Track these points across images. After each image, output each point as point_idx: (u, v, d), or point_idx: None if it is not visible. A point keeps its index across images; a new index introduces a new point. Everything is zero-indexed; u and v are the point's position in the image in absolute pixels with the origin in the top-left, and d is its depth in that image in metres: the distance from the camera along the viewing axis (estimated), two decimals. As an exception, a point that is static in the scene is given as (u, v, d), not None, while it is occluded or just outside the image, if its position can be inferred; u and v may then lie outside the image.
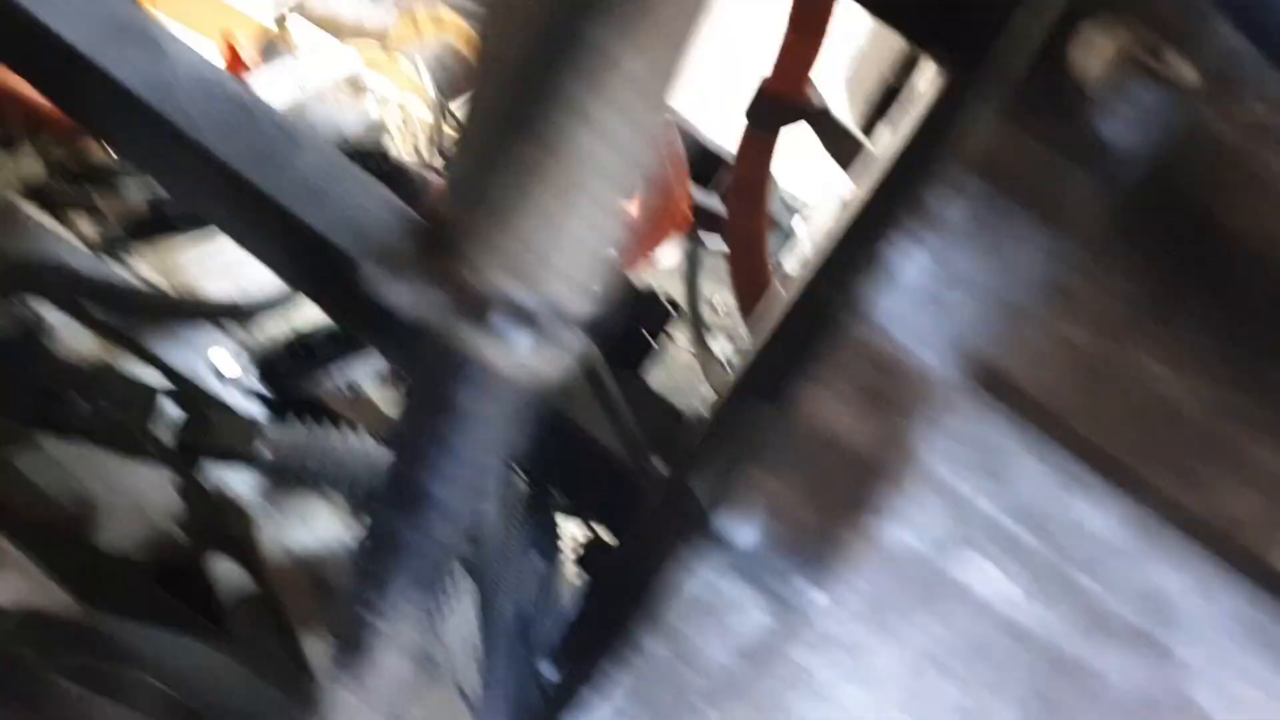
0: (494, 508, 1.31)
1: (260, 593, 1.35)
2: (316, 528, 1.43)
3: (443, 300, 0.32)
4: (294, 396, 1.41)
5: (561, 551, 1.42)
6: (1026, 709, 0.48)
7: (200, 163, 0.87)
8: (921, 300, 0.42)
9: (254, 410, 1.38)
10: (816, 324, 0.47)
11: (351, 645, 0.55)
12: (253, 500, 1.39)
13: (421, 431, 0.40)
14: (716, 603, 0.45)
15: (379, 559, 0.48)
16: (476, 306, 0.32)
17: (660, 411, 0.94)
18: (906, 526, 0.46)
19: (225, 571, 1.38)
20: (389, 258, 0.33)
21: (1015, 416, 0.43)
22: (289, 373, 1.43)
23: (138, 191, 1.55)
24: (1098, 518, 0.44)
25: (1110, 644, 0.46)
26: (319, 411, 1.39)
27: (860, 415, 0.43)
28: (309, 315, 1.49)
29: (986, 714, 0.48)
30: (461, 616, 1.51)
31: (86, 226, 1.48)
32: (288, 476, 1.36)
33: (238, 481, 1.39)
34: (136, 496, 1.37)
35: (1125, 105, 0.40)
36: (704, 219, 2.08)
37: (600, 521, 0.87)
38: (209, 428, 1.29)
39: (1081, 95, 0.41)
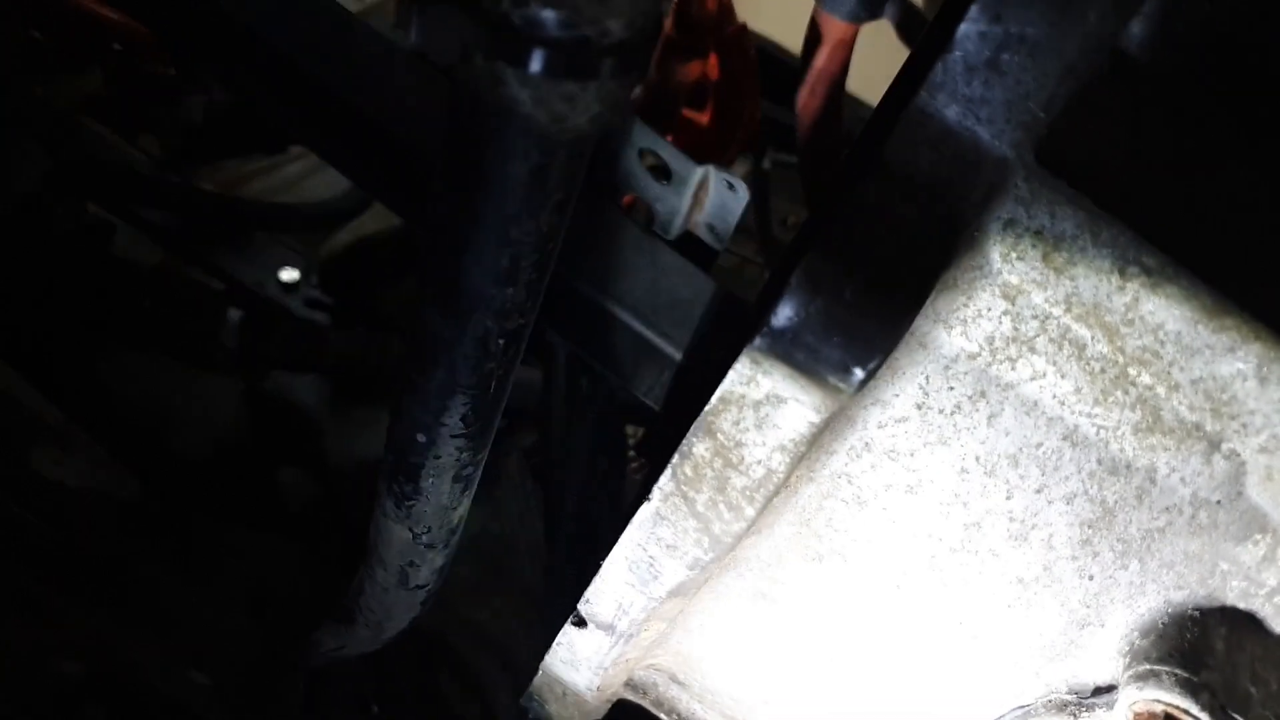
0: (559, 407, 1.35)
1: (326, 499, 1.42)
2: (381, 437, 1.50)
3: (478, 35, 0.34)
4: (357, 305, 1.47)
5: (627, 452, 1.46)
6: (1074, 511, 0.49)
7: (266, 57, 0.90)
8: (977, 68, 0.42)
9: (318, 319, 1.44)
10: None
11: (400, 471, 0.59)
12: (320, 409, 1.46)
13: (452, 208, 0.42)
14: (757, 397, 0.46)
15: (422, 368, 0.51)
16: (511, 41, 0.34)
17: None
18: (956, 321, 0.47)
19: (292, 478, 1.45)
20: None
21: (1074, 196, 0.43)
22: (352, 282, 1.48)
23: (200, 109, 1.61)
24: (1157, 305, 0.45)
25: (1164, 441, 0.47)
26: (381, 320, 1.45)
27: (911, 198, 0.44)
28: (370, 225, 1.53)
29: (1033, 517, 0.49)
30: (528, 518, 1.56)
31: (149, 142, 1.54)
32: (352, 385, 1.42)
33: (305, 391, 1.45)
34: (206, 405, 1.44)
35: None
36: (777, 135, 2.07)
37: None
38: (275, 337, 1.35)
39: None
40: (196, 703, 1.17)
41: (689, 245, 1.18)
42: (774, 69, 1.91)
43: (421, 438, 0.54)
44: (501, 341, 0.48)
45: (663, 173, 1.11)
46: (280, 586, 1.20)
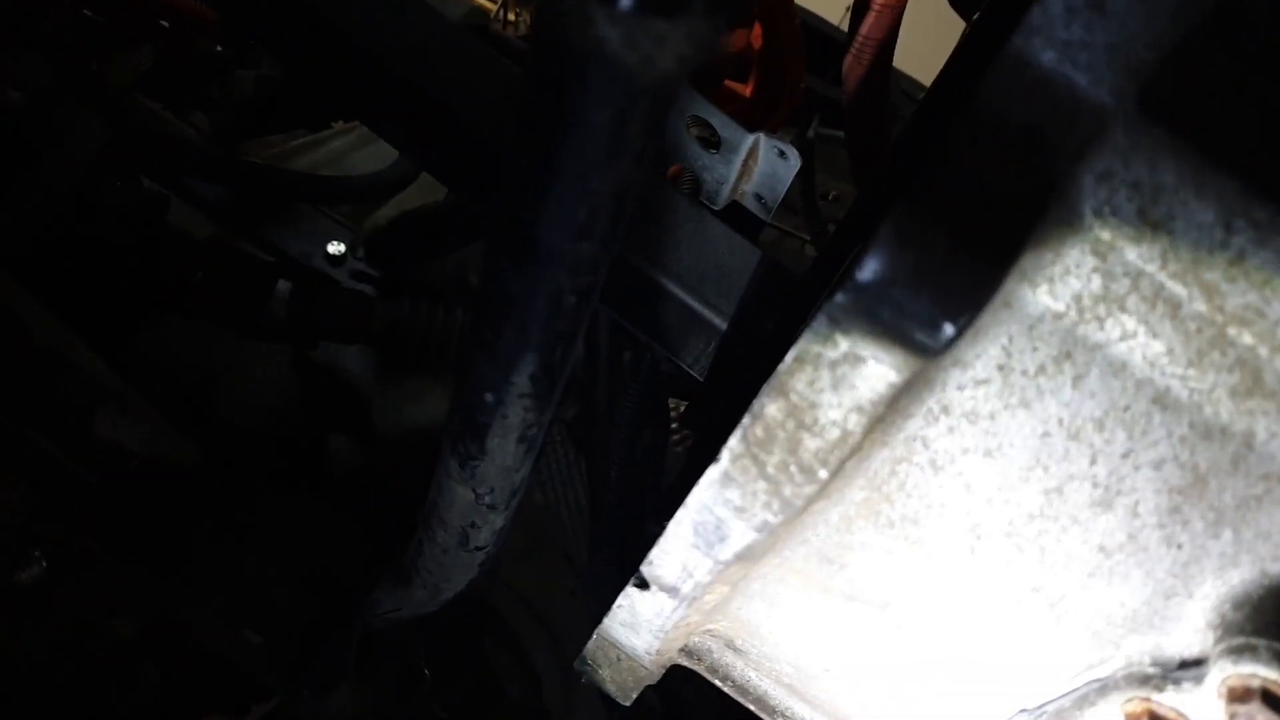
0: (603, 379, 1.33)
1: (374, 467, 1.42)
2: (428, 407, 1.49)
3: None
4: (402, 278, 1.46)
5: (670, 424, 1.44)
6: (1163, 477, 0.46)
7: (322, 31, 0.89)
8: (1078, 9, 0.39)
9: (365, 291, 1.43)
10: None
11: (466, 431, 0.57)
12: (367, 380, 1.45)
13: (530, 158, 0.40)
14: (834, 356, 0.44)
15: (493, 326, 0.49)
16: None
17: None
18: (1042, 279, 0.44)
19: (340, 447, 1.45)
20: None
21: (1177, 146, 0.40)
22: (396, 255, 1.47)
23: (250, 83, 1.60)
24: (1265, 259, 0.41)
25: (1264, 405, 0.44)
26: (426, 292, 1.43)
27: (1004, 148, 0.41)
28: (414, 199, 1.52)
29: (1118, 483, 0.47)
30: (570, 488, 1.55)
31: (200, 118, 1.53)
32: (399, 355, 1.41)
33: (353, 362, 1.45)
34: (256, 374, 1.44)
35: None
36: (822, 110, 2.02)
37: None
38: (323, 307, 1.34)
39: None
40: (247, 661, 1.17)
41: (734, 216, 1.15)
42: (819, 43, 1.87)
43: (490, 397, 0.52)
44: (574, 299, 0.46)
45: (710, 142, 1.08)
46: (329, 551, 1.19)
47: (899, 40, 1.28)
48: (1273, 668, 0.42)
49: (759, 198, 1.07)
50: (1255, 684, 0.42)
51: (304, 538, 1.16)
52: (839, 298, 0.42)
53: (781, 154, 1.02)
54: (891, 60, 1.31)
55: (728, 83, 1.53)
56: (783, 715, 0.68)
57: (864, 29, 1.23)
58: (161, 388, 1.25)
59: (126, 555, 1.14)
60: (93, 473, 1.09)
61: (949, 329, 0.41)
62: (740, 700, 0.69)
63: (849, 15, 1.19)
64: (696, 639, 0.66)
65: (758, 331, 0.91)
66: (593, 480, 1.33)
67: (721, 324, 0.98)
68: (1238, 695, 0.43)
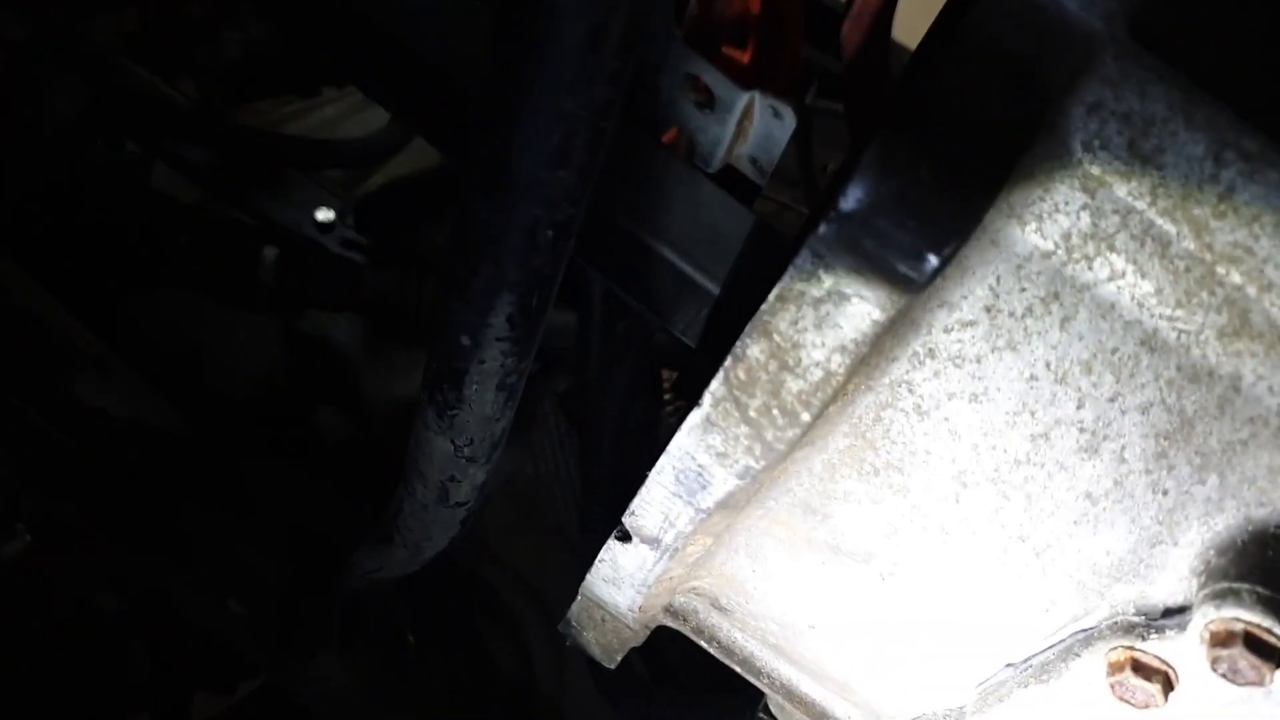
0: (595, 350, 1.33)
1: (363, 438, 1.42)
2: (418, 379, 1.49)
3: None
4: (392, 246, 1.45)
5: (663, 395, 1.44)
6: (1150, 422, 0.46)
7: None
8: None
9: (354, 259, 1.43)
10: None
11: (444, 378, 0.57)
12: (356, 350, 1.45)
13: (502, 81, 0.40)
14: (818, 294, 0.44)
15: (468, 263, 0.49)
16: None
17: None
18: (1031, 217, 0.43)
19: (329, 419, 1.44)
20: None
21: (1169, 74, 0.40)
22: (387, 223, 1.46)
23: (237, 46, 1.59)
24: (1255, 194, 0.41)
25: (1251, 346, 0.44)
26: (417, 260, 1.43)
27: (991, 75, 0.41)
28: (404, 166, 1.51)
29: (1105, 428, 0.46)
30: (562, 461, 1.55)
31: (186, 83, 1.52)
32: (388, 325, 1.40)
33: (342, 331, 1.44)
34: (243, 342, 1.44)
35: None
36: (820, 81, 2.01)
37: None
38: (311, 274, 1.34)
39: None
40: (232, 632, 1.18)
41: (729, 180, 1.14)
42: (820, 13, 1.86)
43: (466, 340, 0.52)
44: (550, 233, 0.46)
45: (704, 103, 1.07)
46: (315, 521, 1.19)
47: (900, 12, 1.27)
48: (1255, 612, 0.42)
49: (754, 161, 1.07)
50: (1238, 628, 0.42)
51: (290, 508, 1.16)
52: (822, 229, 0.42)
53: (776, 113, 1.02)
54: (890, 29, 1.30)
55: (726, 49, 1.52)
56: (768, 677, 0.68)
57: (859, 5, 1.22)
58: (149, 357, 1.25)
59: (110, 526, 1.15)
60: (74, 440, 1.08)
61: (933, 260, 0.40)
62: (726, 662, 0.69)
63: (849, -16, 1.19)
64: (681, 598, 0.66)
65: (750, 297, 0.91)
66: (585, 453, 1.33)
67: (714, 289, 0.97)
68: (1220, 640, 0.43)
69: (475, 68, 0.94)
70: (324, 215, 1.47)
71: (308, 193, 1.50)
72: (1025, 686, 0.52)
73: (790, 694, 0.67)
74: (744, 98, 1.01)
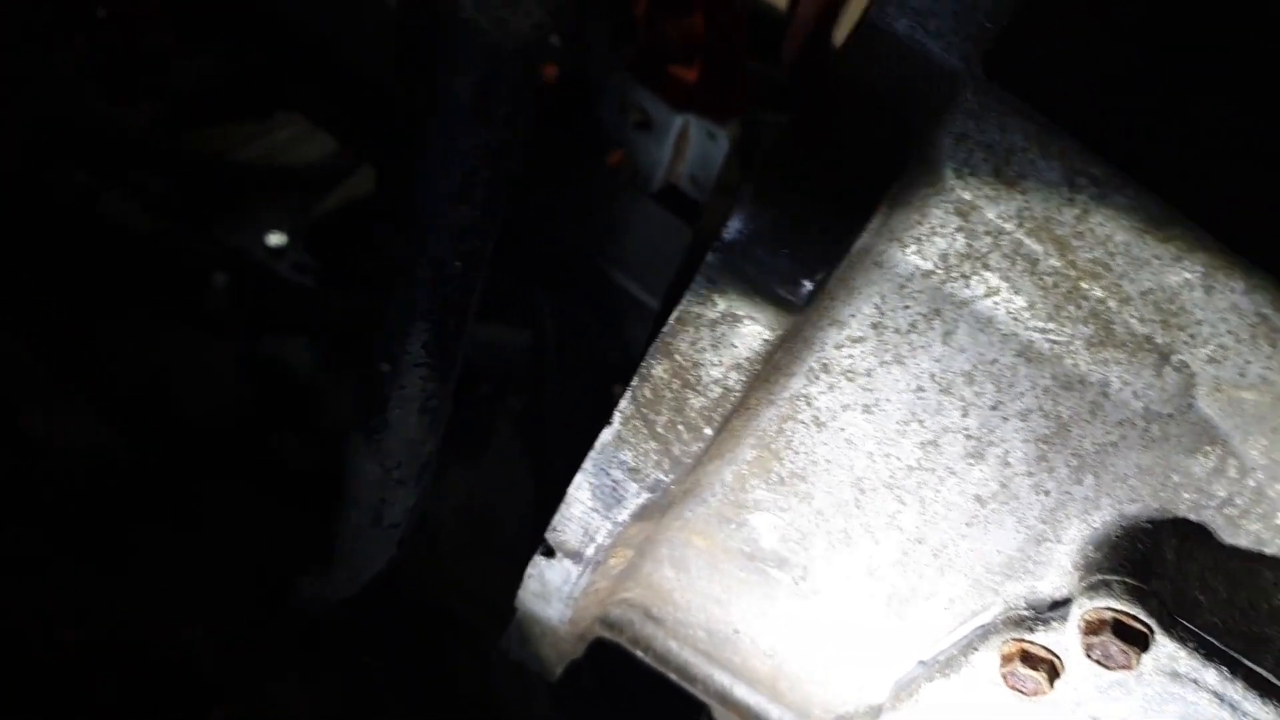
0: (550, 371, 1.36)
1: (322, 461, 1.44)
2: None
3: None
4: (344, 269, 1.48)
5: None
6: (1030, 427, 0.50)
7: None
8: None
9: (306, 282, 1.45)
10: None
11: (370, 404, 0.60)
12: (314, 374, 1.47)
13: (404, 126, 0.43)
14: (713, 316, 0.47)
15: (382, 294, 0.52)
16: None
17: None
18: (910, 239, 0.47)
19: (287, 443, 1.46)
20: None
21: (1023, 108, 0.44)
22: (339, 246, 1.49)
23: (192, 73, 1.62)
24: (1106, 216, 0.45)
25: (1116, 355, 0.47)
26: (369, 283, 1.45)
27: (859, 112, 0.44)
28: (357, 189, 1.54)
29: (989, 434, 0.50)
30: (518, 482, 1.57)
31: (139, 109, 1.54)
32: (344, 348, 1.43)
33: (299, 356, 1.46)
34: (205, 369, 1.45)
35: None
36: (768, 93, 2.06)
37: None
38: (262, 298, 1.36)
39: None
40: (194, 656, 1.19)
41: (671, 199, 1.18)
42: (767, 29, 1.91)
43: (386, 367, 0.55)
44: (458, 264, 0.49)
45: (644, 125, 1.11)
46: (274, 544, 1.21)
47: (845, 24, 1.31)
48: (1123, 601, 0.45)
49: (693, 179, 1.11)
50: (1109, 616, 0.46)
51: (249, 532, 1.18)
52: (710, 257, 0.46)
53: (711, 135, 1.06)
54: (829, 41, 1.35)
55: (673, 69, 1.56)
56: (704, 684, 0.71)
57: (799, 11, 1.26)
58: (102, 382, 1.27)
59: (67, 554, 1.16)
60: (23, 469, 1.10)
61: (808, 285, 0.44)
62: (664, 671, 0.73)
63: (790, -4, 1.23)
64: (615, 610, 0.70)
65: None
66: (539, 473, 1.36)
67: (656, 306, 1.01)
68: (1094, 628, 0.46)
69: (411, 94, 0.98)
70: (275, 240, 1.50)
71: (259, 217, 1.52)
72: (932, 681, 0.56)
73: (725, 699, 0.70)
74: (679, 121, 1.05)
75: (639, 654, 0.72)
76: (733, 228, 0.44)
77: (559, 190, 1.10)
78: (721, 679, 0.70)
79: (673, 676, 0.73)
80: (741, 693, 0.68)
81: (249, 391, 1.46)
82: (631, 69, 1.28)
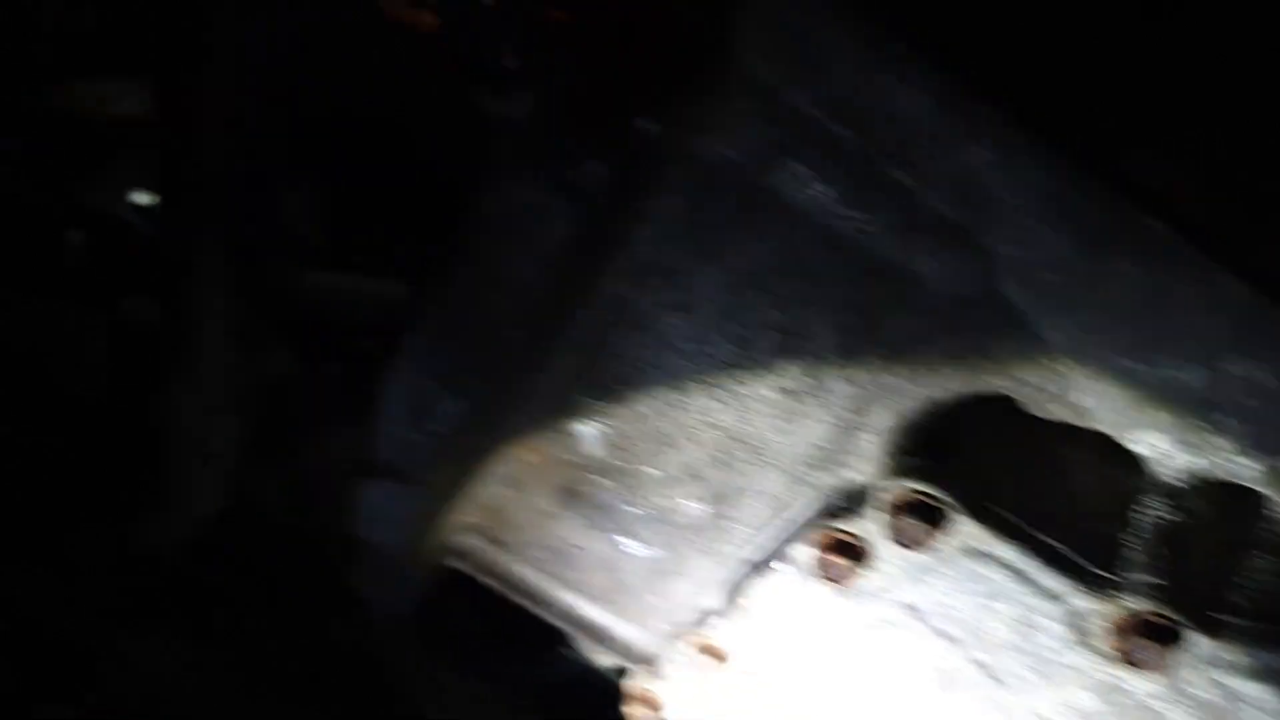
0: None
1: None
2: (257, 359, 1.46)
3: None
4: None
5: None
6: (843, 321, 0.50)
7: None
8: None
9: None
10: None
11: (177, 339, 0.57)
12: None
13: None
14: (517, 215, 0.46)
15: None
16: None
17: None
18: (719, 133, 0.47)
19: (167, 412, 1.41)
20: None
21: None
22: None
23: (50, 22, 1.54)
24: (911, 99, 0.45)
25: (924, 243, 0.48)
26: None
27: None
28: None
29: (804, 329, 0.50)
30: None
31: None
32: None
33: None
34: (71, 336, 1.39)
35: None
36: None
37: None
38: (121, 259, 1.30)
39: None
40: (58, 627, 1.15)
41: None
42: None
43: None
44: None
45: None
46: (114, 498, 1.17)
47: None
48: (923, 482, 0.46)
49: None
50: (911, 498, 0.46)
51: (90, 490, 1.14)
52: (503, 145, 0.45)
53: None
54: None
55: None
56: (553, 606, 0.71)
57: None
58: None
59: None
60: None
61: (598, 169, 0.44)
62: (514, 598, 0.72)
63: None
64: (459, 537, 0.69)
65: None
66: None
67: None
68: (897, 510, 0.47)
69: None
70: (142, 197, 1.43)
71: (125, 175, 1.46)
72: (761, 579, 0.56)
73: (573, 619, 0.70)
74: None
75: (490, 582, 0.71)
76: (519, 105, 0.43)
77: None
78: (568, 598, 0.69)
79: (525, 603, 0.72)
80: (586, 609, 0.68)
81: (122, 356, 1.41)
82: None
